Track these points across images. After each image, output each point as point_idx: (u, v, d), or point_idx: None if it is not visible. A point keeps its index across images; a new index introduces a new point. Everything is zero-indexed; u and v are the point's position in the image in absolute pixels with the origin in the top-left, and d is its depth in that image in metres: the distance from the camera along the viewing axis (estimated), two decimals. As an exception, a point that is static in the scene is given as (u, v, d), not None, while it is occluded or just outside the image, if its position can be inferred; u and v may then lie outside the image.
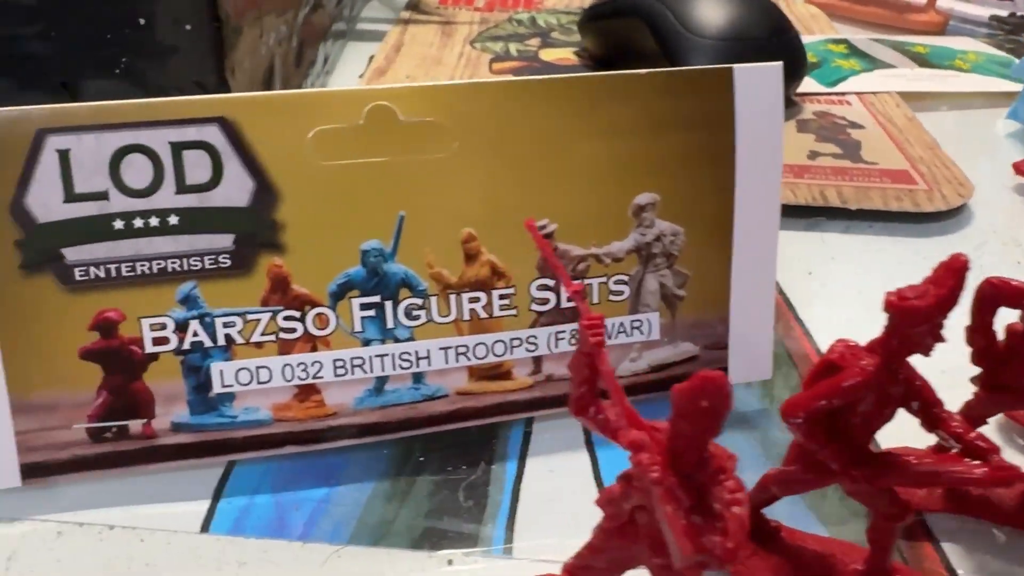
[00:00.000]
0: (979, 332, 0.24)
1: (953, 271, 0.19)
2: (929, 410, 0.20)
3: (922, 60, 0.59)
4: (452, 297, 0.27)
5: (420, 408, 0.27)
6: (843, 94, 0.53)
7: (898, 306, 0.19)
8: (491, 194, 0.26)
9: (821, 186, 0.42)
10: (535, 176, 0.26)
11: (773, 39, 0.49)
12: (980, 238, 0.40)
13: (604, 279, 0.28)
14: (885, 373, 0.20)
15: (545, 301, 0.27)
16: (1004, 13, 0.67)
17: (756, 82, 0.27)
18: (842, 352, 0.20)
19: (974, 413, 0.25)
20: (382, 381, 0.27)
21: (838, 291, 0.37)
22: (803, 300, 0.36)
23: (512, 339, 0.27)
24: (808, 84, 0.54)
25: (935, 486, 0.24)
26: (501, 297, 0.27)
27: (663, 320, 0.28)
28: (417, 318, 0.26)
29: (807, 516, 0.26)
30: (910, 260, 0.39)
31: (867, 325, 0.21)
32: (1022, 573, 0.25)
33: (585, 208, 0.27)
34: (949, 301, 0.19)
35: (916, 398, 0.20)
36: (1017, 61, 0.57)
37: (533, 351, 0.27)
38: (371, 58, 0.57)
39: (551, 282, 0.27)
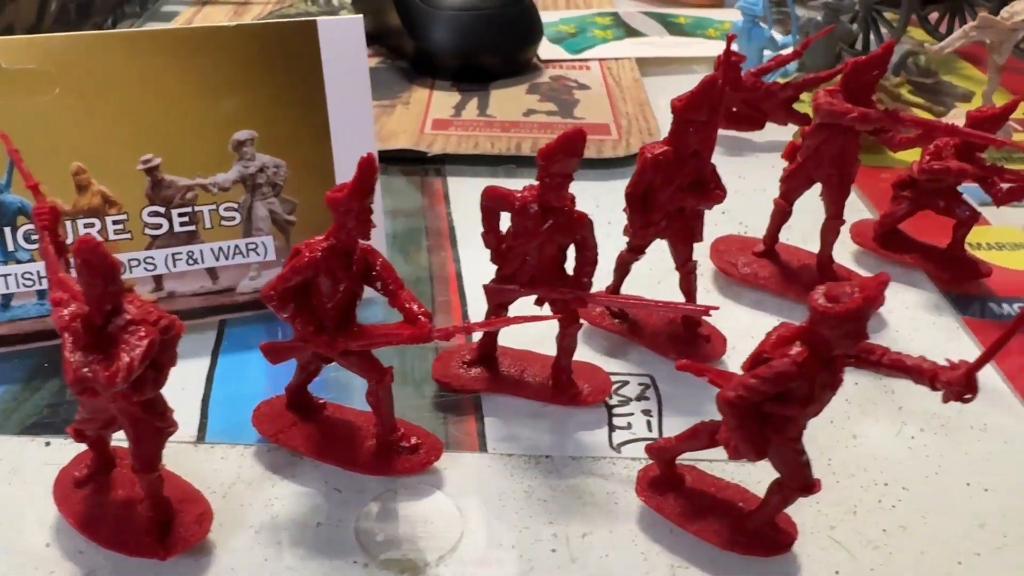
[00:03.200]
0: (490, 235, 0.28)
1: (362, 166, 0.23)
2: (387, 288, 0.25)
3: (678, 29, 0.64)
4: (68, 223, 0.30)
5: (46, 322, 0.31)
6: (586, 60, 0.58)
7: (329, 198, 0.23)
8: (98, 132, 0.30)
9: (521, 138, 0.47)
10: (140, 116, 0.31)
11: (506, 8, 0.54)
12: (652, 180, 0.45)
13: (214, 207, 0.32)
14: (332, 258, 0.24)
15: (158, 226, 0.31)
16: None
17: (339, 33, 0.32)
18: (308, 244, 0.25)
19: (494, 301, 0.29)
20: (7, 298, 0.30)
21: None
22: (470, 234, 0.40)
23: (130, 259, 0.31)
24: (556, 51, 0.59)
25: (378, 345, 0.26)
26: (115, 223, 0.31)
27: (277, 243, 0.33)
28: (36, 242, 0.30)
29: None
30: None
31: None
32: (540, 438, 0.29)
33: (188, 144, 0.31)
34: (358, 191, 0.23)
35: (379, 279, 0.25)
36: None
37: (152, 271, 0.31)
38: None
39: (162, 209, 0.31)
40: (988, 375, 0.33)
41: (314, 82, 0.32)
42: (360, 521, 0.26)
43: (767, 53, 0.54)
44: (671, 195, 0.30)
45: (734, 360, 0.33)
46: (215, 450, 0.28)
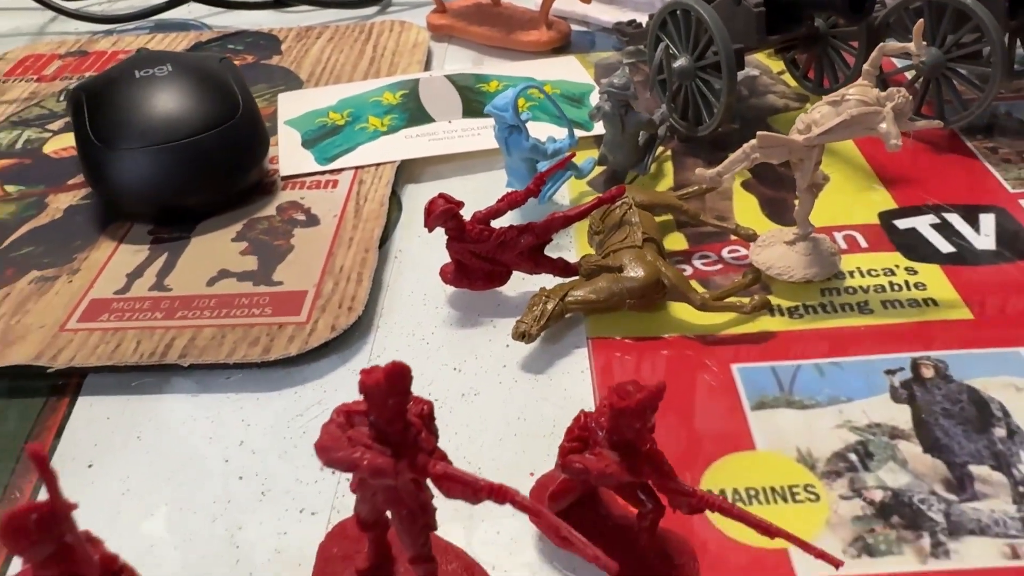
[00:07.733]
0: None
1: None
2: None
3: (478, 103, 0.52)
4: None
5: None
6: (339, 171, 0.47)
7: None
8: None
9: (177, 332, 0.37)
10: None
11: (207, 137, 0.43)
12: (311, 398, 0.34)
13: None
14: None
15: None
16: (625, 19, 0.59)
17: None
18: None
19: None
20: None
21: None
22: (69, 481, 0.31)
23: None
24: (303, 161, 0.48)
25: None
26: None
27: None
28: None
29: None
30: (240, 420, 0.33)
31: None
32: None
33: None
34: None
35: None
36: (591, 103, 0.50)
37: None
38: None
39: None
40: None
41: None
42: None
43: (542, 165, 0.42)
44: None
45: None
46: None
